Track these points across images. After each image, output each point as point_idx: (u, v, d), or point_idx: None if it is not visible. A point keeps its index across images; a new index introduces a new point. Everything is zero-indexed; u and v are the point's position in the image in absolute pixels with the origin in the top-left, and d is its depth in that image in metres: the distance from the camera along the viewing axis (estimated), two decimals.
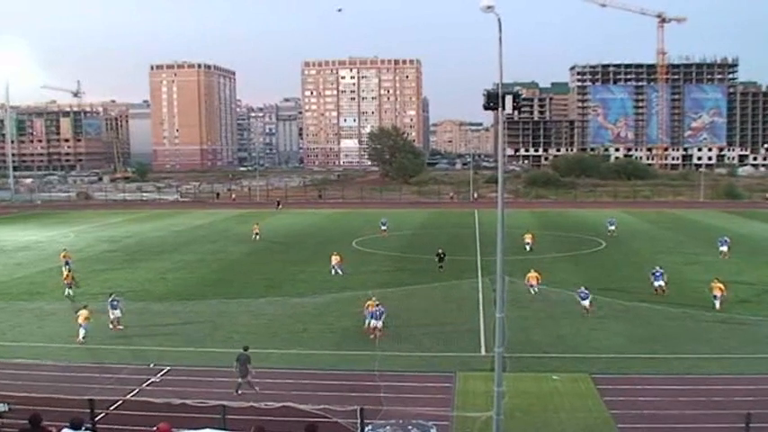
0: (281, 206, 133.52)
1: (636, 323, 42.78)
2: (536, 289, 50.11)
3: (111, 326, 42.42)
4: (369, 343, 38.18)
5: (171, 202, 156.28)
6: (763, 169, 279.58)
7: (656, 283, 51.06)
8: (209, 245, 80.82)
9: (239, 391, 30.64)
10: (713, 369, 34.10)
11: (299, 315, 45.99)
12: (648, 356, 36.32)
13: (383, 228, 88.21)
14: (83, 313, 40.41)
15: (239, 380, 31.10)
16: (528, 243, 72.06)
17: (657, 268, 52.81)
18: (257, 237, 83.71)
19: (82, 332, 39.89)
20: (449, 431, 26.44)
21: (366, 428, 23.15)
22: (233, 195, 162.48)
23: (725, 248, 66.71)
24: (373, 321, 40.25)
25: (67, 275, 53.78)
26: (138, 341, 39.99)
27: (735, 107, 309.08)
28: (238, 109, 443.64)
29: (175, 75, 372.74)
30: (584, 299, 44.49)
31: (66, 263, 61.85)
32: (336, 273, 60.19)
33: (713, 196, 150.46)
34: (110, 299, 43.79)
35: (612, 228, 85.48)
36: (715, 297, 45.15)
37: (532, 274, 50.97)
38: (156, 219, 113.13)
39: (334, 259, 61.58)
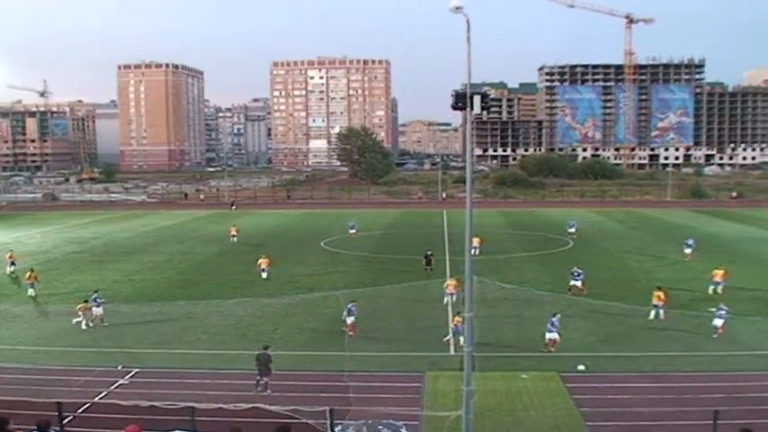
0: (235, 207, 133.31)
1: (604, 322, 43.09)
2: (454, 298, 47.43)
3: (91, 323, 43.12)
4: (338, 343, 38.17)
5: (138, 202, 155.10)
6: (729, 169, 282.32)
7: (572, 283, 51.64)
8: (177, 246, 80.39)
9: (267, 391, 30.81)
10: (681, 366, 34.43)
11: (268, 316, 45.92)
12: (617, 354, 36.58)
13: (351, 230, 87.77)
14: (83, 305, 43.19)
15: (263, 379, 31.31)
16: (476, 247, 67.91)
17: (576, 268, 53.32)
18: (235, 239, 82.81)
19: (84, 322, 42.64)
20: (419, 431, 26.49)
21: (336, 429, 23.16)
22: (201, 196, 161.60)
23: (689, 251, 67.08)
24: (349, 319, 40.57)
25: (30, 275, 53.38)
26: (106, 343, 39.67)
27: (701, 107, 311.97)
28: (206, 109, 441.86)
29: (143, 74, 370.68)
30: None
31: (12, 263, 61.58)
32: (263, 275, 58.93)
33: (680, 195, 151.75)
34: (93, 296, 44.58)
35: (573, 230, 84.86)
36: (655, 306, 43.85)
37: (451, 282, 48.94)
38: (123, 220, 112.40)
39: (263, 262, 60.14)
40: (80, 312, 43.04)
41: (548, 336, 37.89)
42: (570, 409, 28.99)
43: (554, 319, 38.34)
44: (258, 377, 31.34)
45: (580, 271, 52.68)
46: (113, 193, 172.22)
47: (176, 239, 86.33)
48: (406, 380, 32.86)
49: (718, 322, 40.05)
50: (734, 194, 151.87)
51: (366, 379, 32.36)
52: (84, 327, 42.50)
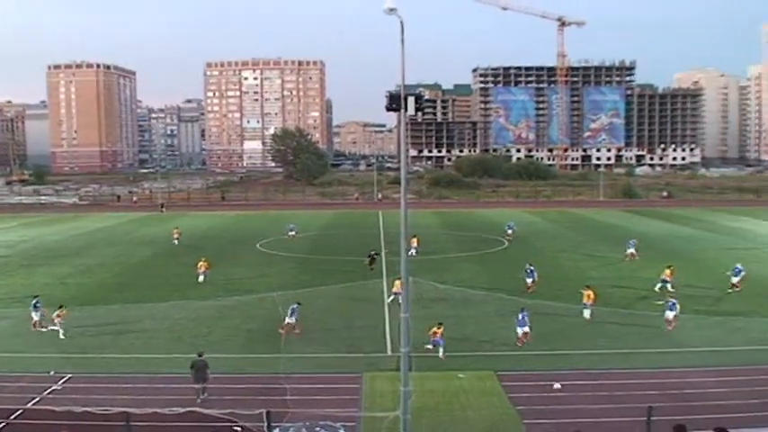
0: (164, 209, 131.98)
1: (539, 320, 43.26)
2: (400, 298, 48.37)
3: (33, 327, 42.33)
4: (275, 345, 38.00)
5: (70, 205, 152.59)
6: (659, 169, 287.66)
7: (527, 280, 52.80)
8: (109, 248, 79.19)
9: (204, 395, 30.14)
10: (615, 364, 34.97)
11: (203, 318, 45.47)
12: (552, 353, 36.97)
13: (291, 233, 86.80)
14: (59, 312, 41.42)
15: (197, 386, 30.51)
16: (414, 247, 69.00)
17: (528, 266, 54.51)
18: (177, 241, 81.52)
19: (61, 330, 40.75)
20: None
21: (273, 431, 23.03)
22: (134, 198, 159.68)
23: (632, 250, 67.93)
24: (288, 319, 40.72)
25: None
26: (38, 348, 38.91)
27: (632, 109, 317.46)
28: (139, 110, 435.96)
29: (74, 75, 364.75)
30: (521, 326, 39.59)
31: None
32: (201, 279, 57.72)
33: (612, 195, 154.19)
34: (33, 301, 43.58)
35: (510, 231, 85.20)
36: (585, 306, 44.36)
37: (397, 282, 47.69)
38: (54, 223, 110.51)
39: (203, 265, 58.91)
40: (56, 320, 41.26)
41: (519, 330, 38.71)
42: (507, 407, 29.24)
43: (522, 315, 39.12)
44: (196, 385, 30.62)
45: (533, 269, 53.74)
46: (44, 195, 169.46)
47: (109, 242, 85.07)
48: (343, 381, 32.78)
49: (669, 315, 41.41)
50: (664, 194, 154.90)
51: (303, 380, 32.33)
52: (62, 336, 40.74)
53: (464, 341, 39.27)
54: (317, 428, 23.17)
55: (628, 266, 63.61)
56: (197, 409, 26.46)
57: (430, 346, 36.17)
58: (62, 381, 33.07)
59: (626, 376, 33.08)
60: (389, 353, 37.06)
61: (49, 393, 31.32)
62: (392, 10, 21.80)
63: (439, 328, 36.59)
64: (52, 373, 33.97)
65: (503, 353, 36.85)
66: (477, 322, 43.14)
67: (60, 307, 42.39)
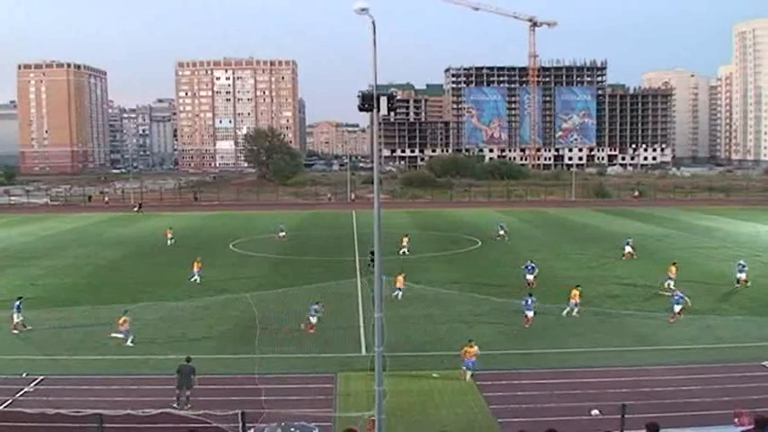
0: (140, 209, 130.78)
1: (512, 319, 43.61)
2: (400, 295, 49.35)
3: (12, 329, 41.91)
4: (249, 346, 37.85)
5: (40, 205, 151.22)
6: (630, 168, 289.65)
7: (529, 277, 53.87)
8: (81, 249, 78.58)
9: (187, 405, 29.31)
10: (587, 362, 35.20)
11: (177, 319, 45.27)
12: (525, 352, 37.16)
13: (281, 233, 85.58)
14: (124, 318, 39.91)
15: (179, 391, 29.87)
16: (404, 246, 70.89)
17: (529, 262, 55.70)
18: (172, 241, 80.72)
19: (130, 337, 39.40)
20: None
21: None
22: (106, 198, 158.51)
23: (629, 249, 68.17)
24: (312, 319, 41.60)
25: None
26: (10, 350, 38.58)
27: (603, 109, 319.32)
28: (110, 110, 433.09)
29: (44, 74, 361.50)
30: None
31: None
32: (197, 280, 57.74)
33: (584, 195, 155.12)
34: (16, 302, 42.96)
35: (503, 232, 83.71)
36: (576, 305, 44.64)
37: (399, 278, 50.14)
38: (24, 223, 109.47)
39: (197, 265, 58.93)
40: (121, 327, 39.59)
41: (529, 313, 42.31)
42: (482, 406, 29.32)
43: (530, 300, 42.64)
44: (178, 390, 29.98)
45: (534, 265, 55.11)
46: (14, 195, 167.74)
47: (80, 243, 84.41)
48: (317, 381, 32.75)
49: (676, 308, 43.17)
50: (636, 194, 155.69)
51: (278, 381, 32.23)
52: (130, 343, 39.10)
53: (438, 341, 39.35)
54: (292, 429, 23.09)
55: (601, 266, 64.08)
56: (171, 410, 26.36)
57: (464, 368, 33.29)
58: (34, 383, 32.78)
59: (599, 374, 33.34)
60: (364, 353, 37.03)
61: (21, 395, 31.06)
62: (363, 10, 21.80)
63: (471, 347, 33.37)
64: (24, 374, 33.72)
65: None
66: (451, 321, 43.22)
67: (125, 312, 40.74)
